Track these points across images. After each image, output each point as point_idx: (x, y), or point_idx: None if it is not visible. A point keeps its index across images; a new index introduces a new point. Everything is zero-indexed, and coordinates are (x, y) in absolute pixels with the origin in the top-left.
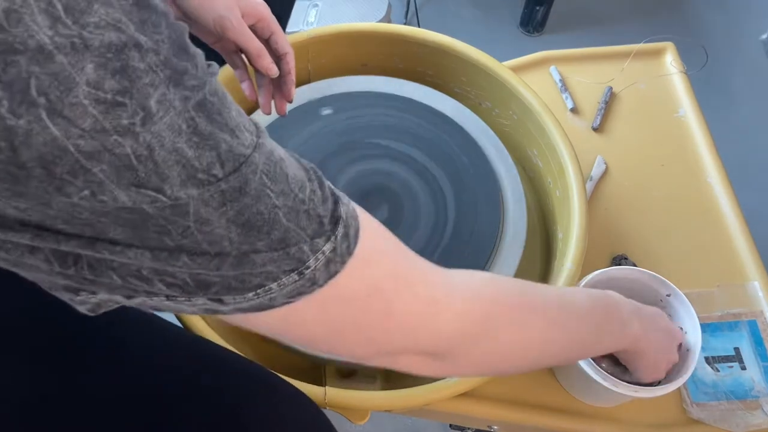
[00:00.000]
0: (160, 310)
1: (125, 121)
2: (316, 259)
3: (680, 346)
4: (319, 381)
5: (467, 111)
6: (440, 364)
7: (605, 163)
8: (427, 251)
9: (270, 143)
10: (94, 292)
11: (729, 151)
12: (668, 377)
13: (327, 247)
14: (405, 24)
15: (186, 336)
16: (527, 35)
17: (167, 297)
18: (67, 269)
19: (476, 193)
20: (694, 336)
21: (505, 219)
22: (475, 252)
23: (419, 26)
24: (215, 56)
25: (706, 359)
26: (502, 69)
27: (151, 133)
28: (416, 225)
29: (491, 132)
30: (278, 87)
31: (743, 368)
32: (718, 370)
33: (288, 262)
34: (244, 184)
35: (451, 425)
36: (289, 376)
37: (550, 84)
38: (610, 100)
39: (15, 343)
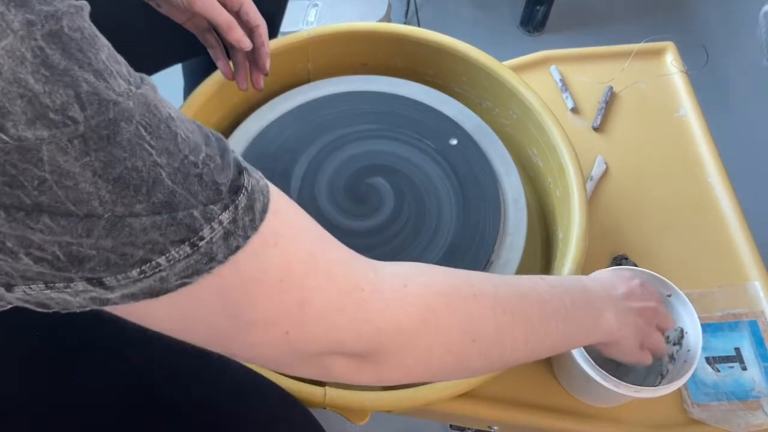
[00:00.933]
0: (47, 307)
1: None
2: (212, 229)
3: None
4: (320, 381)
5: (467, 110)
6: (377, 368)
7: (605, 163)
8: (428, 249)
9: (155, 98)
10: None
11: (729, 151)
12: (668, 377)
13: (225, 217)
14: (405, 24)
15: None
16: (527, 35)
17: (46, 284)
18: None
19: (476, 192)
20: (694, 336)
21: (505, 219)
22: (475, 252)
23: (419, 26)
24: (192, 38)
25: (707, 359)
26: (503, 69)
27: None
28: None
29: (491, 131)
30: (254, 61)
31: (744, 368)
32: (719, 371)
33: (176, 229)
34: (113, 133)
35: (451, 425)
36: (288, 376)
37: (551, 84)
38: (610, 100)
39: (8, 348)
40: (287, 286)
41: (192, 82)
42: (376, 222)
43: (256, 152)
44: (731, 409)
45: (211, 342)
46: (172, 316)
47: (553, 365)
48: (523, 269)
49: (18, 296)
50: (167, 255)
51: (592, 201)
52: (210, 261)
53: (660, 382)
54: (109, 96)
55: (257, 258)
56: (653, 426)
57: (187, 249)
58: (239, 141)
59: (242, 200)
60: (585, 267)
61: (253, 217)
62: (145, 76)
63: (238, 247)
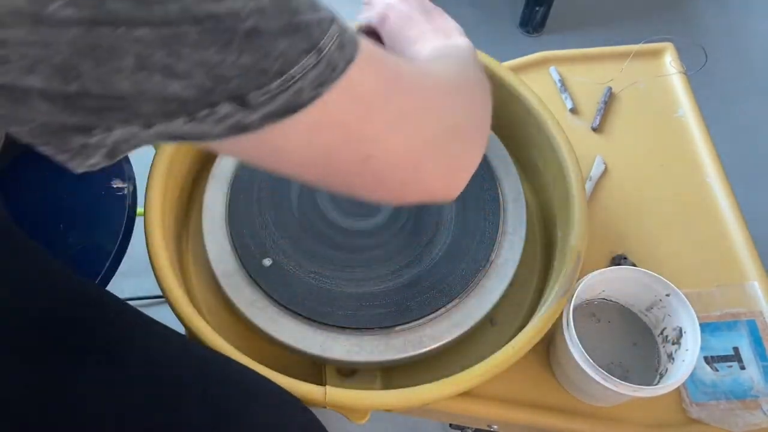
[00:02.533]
0: (187, 138)
1: None
2: (331, 38)
3: None
4: (320, 380)
5: None
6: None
7: (604, 163)
8: (428, 249)
9: None
10: (109, 128)
11: (728, 151)
12: (667, 376)
13: (334, 30)
14: None
15: (179, 339)
16: (527, 35)
17: (188, 116)
18: (68, 84)
19: (476, 192)
20: (693, 336)
21: (504, 219)
22: (474, 252)
23: None
24: None
25: (705, 359)
26: (502, 69)
27: None
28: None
29: (490, 132)
30: None
31: (742, 368)
32: (717, 370)
33: (300, 38)
34: None
35: (451, 425)
36: (289, 376)
37: (550, 84)
38: (609, 100)
39: (5, 340)
40: (398, 93)
41: None
42: (376, 222)
43: None
44: (730, 408)
45: (340, 170)
46: (311, 142)
47: (552, 364)
48: (522, 269)
49: (153, 133)
50: (300, 65)
51: (591, 201)
52: (333, 70)
53: (658, 382)
54: None
55: (364, 74)
56: (652, 425)
57: (313, 59)
58: None
59: (337, 24)
60: (584, 267)
61: (353, 39)
62: None
63: (352, 59)
